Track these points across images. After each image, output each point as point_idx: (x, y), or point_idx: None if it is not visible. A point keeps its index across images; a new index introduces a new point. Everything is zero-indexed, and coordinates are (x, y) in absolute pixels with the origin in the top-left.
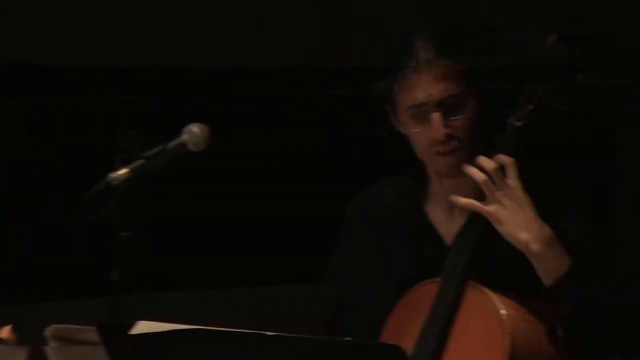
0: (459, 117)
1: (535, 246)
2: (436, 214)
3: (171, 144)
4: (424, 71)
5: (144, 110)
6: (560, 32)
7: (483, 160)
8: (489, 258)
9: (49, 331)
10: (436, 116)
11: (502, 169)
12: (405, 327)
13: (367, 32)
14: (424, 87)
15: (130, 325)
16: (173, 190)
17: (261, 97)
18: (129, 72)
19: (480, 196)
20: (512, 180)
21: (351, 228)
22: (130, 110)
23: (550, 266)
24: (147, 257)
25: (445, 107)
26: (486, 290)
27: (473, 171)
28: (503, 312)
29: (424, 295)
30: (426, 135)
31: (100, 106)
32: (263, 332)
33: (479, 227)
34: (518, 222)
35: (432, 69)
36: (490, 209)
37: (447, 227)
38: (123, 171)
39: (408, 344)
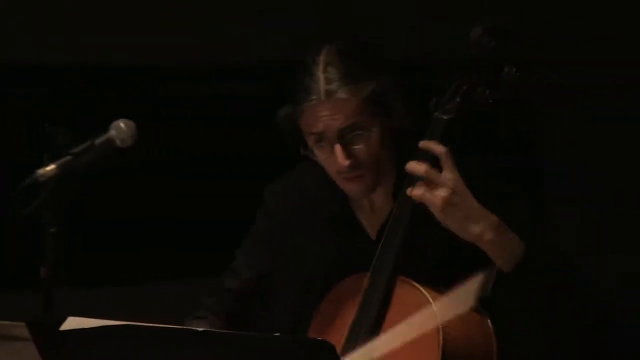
0: (361, 145)
1: (488, 235)
2: (359, 207)
3: (98, 140)
4: (324, 102)
5: (72, 107)
6: (484, 26)
7: (413, 166)
8: (417, 251)
9: None
10: (338, 148)
11: (436, 161)
12: (332, 322)
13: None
14: (325, 118)
15: (60, 321)
16: (102, 186)
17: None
18: (59, 69)
19: (397, 215)
20: (450, 172)
21: (271, 213)
22: (59, 107)
23: (506, 252)
24: (76, 253)
25: (347, 137)
26: (416, 284)
27: (412, 166)
28: (434, 306)
29: (351, 289)
30: (332, 162)
31: (30, 102)
32: (192, 328)
33: (407, 220)
34: (466, 215)
35: (332, 100)
36: (437, 203)
37: (370, 220)
38: (51, 167)
39: (336, 339)
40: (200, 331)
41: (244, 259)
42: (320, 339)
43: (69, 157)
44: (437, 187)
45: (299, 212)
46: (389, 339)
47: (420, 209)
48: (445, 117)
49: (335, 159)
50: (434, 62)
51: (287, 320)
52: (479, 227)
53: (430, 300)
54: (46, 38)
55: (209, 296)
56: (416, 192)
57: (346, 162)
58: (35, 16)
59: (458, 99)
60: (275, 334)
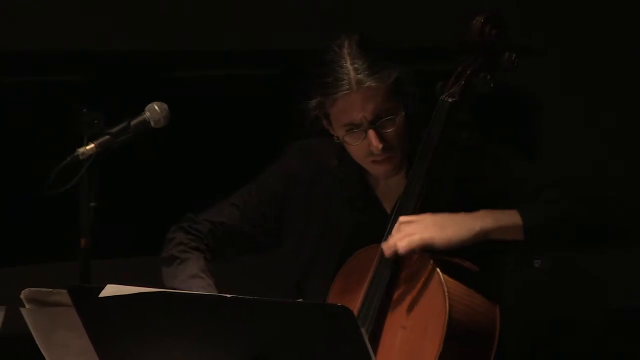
0: (391, 129)
1: (483, 228)
2: (376, 185)
3: (134, 121)
4: (356, 92)
5: (108, 91)
6: (486, 14)
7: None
8: None
9: (24, 294)
10: (371, 133)
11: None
12: (348, 290)
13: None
14: (358, 108)
15: (100, 288)
16: (138, 164)
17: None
18: (96, 55)
19: (407, 189)
20: (406, 221)
21: (290, 174)
22: (96, 91)
23: (509, 229)
24: (113, 224)
25: (378, 123)
26: (424, 254)
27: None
28: (442, 275)
29: (366, 259)
30: (362, 147)
31: (68, 87)
32: (222, 294)
33: (417, 195)
34: (448, 234)
35: (363, 89)
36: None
37: (386, 197)
38: (90, 146)
39: (352, 306)
40: (229, 297)
41: (246, 200)
42: (339, 304)
43: (107, 137)
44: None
45: (317, 179)
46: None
47: (429, 185)
48: (450, 100)
49: (370, 143)
50: (439, 48)
51: (293, 279)
52: (468, 228)
53: (438, 268)
54: (81, 25)
55: (193, 222)
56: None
57: (380, 146)
58: (73, 3)
59: (462, 83)
60: (298, 300)
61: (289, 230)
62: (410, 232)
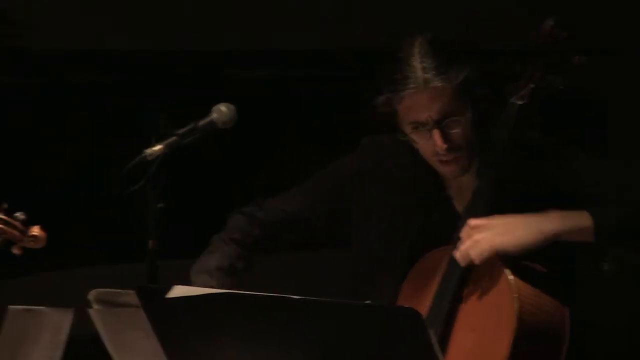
0: (457, 130)
1: (553, 230)
2: (449, 186)
3: (201, 122)
4: (423, 91)
5: (172, 92)
6: (556, 18)
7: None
8: None
9: (92, 295)
10: (436, 133)
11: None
12: (418, 293)
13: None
14: (423, 107)
15: (167, 289)
16: (204, 165)
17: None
18: (163, 56)
19: (477, 191)
20: (476, 225)
21: (361, 168)
22: (164, 92)
23: (579, 228)
24: (179, 226)
25: (444, 123)
26: (495, 257)
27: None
28: (511, 277)
29: (436, 261)
30: (429, 146)
31: (134, 88)
32: (289, 296)
33: (487, 196)
34: (519, 238)
35: (430, 88)
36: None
37: (458, 198)
38: (158, 147)
39: (420, 308)
40: (297, 298)
41: (315, 190)
42: (407, 306)
43: (174, 138)
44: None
45: (389, 175)
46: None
47: (499, 186)
48: (519, 102)
49: (435, 143)
50: (510, 50)
51: (357, 276)
52: (539, 230)
53: (506, 270)
54: (147, 27)
55: (259, 208)
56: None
57: (444, 146)
58: (138, 6)
59: (531, 85)
60: (366, 302)
61: (356, 225)
62: (481, 238)
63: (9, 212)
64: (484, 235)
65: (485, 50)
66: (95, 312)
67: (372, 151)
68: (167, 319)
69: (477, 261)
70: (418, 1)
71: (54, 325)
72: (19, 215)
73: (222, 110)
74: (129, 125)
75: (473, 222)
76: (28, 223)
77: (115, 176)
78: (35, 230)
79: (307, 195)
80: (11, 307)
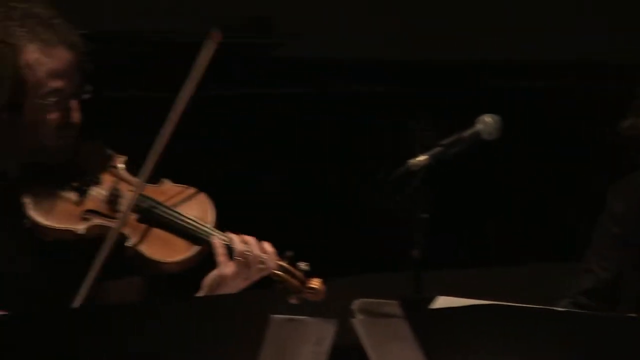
0: None
1: None
2: None
3: (466, 133)
4: None
5: (438, 101)
6: None
7: None
8: None
9: (356, 305)
10: None
11: None
12: None
13: None
14: None
15: (431, 299)
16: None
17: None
18: (425, 66)
19: None
20: None
21: (617, 215)
22: (426, 101)
23: None
24: (444, 236)
25: None
26: None
27: None
28: None
29: None
30: None
31: (400, 97)
32: (552, 308)
33: None
34: None
35: None
36: None
37: None
38: (423, 157)
39: None
40: (561, 311)
41: (597, 259)
42: None
43: (439, 148)
44: None
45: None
46: None
47: None
48: None
49: None
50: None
51: None
52: None
53: None
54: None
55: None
56: None
57: None
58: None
59: None
60: (630, 314)
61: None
62: None
63: (293, 261)
64: None
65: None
66: (358, 322)
67: (619, 198)
68: (431, 331)
69: None
70: None
71: (317, 336)
72: (302, 265)
73: (487, 121)
74: (394, 135)
75: None
76: (310, 274)
77: (380, 186)
78: (315, 283)
79: (602, 268)
80: (274, 316)
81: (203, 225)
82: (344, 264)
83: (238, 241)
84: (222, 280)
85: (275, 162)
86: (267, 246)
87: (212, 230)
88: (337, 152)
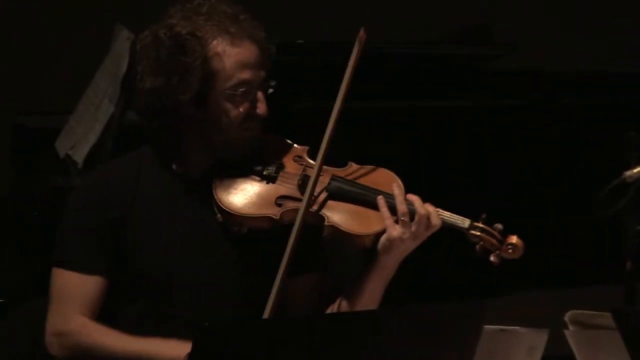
0: None
1: None
2: None
3: None
4: None
5: None
6: None
7: None
8: None
9: (568, 316)
10: None
11: None
12: None
13: None
14: None
15: None
16: None
17: None
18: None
19: None
20: None
21: None
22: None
23: None
24: None
25: None
26: None
27: None
28: None
29: None
30: None
31: (614, 107)
32: None
33: None
34: None
35: None
36: None
37: None
38: (638, 169)
39: None
40: None
41: None
42: None
43: None
44: None
45: None
46: None
47: None
48: None
49: None
50: None
51: None
52: None
53: None
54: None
55: None
56: None
57: None
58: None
59: None
60: None
61: None
62: None
63: (488, 222)
64: None
65: None
66: (570, 333)
67: None
68: None
69: None
70: None
71: (529, 346)
72: (497, 225)
73: None
74: (609, 146)
75: None
76: (506, 233)
77: (596, 198)
78: (514, 239)
79: None
80: (487, 327)
81: (388, 194)
82: (556, 275)
83: (401, 200)
84: (391, 243)
85: (492, 173)
86: (429, 205)
87: (393, 198)
88: (553, 162)
